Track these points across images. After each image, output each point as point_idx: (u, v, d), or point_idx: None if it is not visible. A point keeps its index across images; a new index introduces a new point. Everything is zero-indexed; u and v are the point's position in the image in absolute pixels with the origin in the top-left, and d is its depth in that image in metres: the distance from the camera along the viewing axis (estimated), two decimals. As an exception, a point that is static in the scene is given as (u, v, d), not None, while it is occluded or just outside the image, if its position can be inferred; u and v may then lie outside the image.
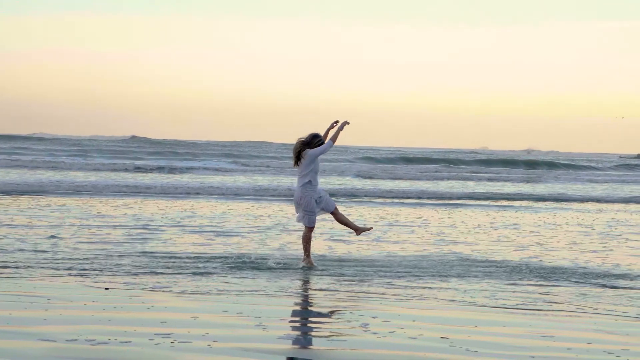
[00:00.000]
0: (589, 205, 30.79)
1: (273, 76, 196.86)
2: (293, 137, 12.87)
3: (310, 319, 9.15)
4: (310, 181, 12.66)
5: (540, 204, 30.48)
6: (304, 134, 12.78)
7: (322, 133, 12.88)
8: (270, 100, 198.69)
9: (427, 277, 11.93)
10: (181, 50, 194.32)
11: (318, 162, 12.73)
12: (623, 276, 12.60)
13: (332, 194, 25.09)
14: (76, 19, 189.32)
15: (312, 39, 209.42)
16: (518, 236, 18.29)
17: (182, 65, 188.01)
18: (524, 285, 11.49)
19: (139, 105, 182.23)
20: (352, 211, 23.40)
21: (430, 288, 11.00)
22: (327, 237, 16.62)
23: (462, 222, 21.61)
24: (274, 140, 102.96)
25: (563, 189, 41.66)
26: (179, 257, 13.13)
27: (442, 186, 39.34)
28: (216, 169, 48.23)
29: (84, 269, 11.68)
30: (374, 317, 8.86)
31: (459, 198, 32.12)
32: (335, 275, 11.91)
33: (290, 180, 38.45)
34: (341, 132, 12.72)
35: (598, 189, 42.28)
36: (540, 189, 41.05)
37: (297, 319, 9.21)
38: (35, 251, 13.31)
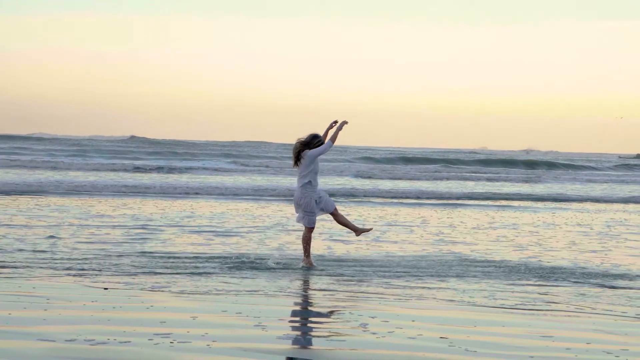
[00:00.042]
0: (588, 205, 30.80)
1: (273, 76, 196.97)
2: (293, 137, 12.88)
3: (309, 319, 9.15)
4: (310, 182, 12.66)
5: (539, 204, 30.48)
6: (303, 134, 12.79)
7: (321, 133, 12.89)
8: (270, 100, 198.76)
9: (426, 277, 11.93)
10: (181, 50, 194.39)
11: (318, 162, 12.73)
12: (622, 276, 12.61)
13: (331, 194, 25.11)
14: (76, 19, 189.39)
15: (312, 39, 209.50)
16: (517, 236, 18.30)
17: (182, 65, 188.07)
18: (522, 285, 11.49)
19: (139, 106, 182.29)
20: (351, 211, 23.40)
21: (429, 288, 11.01)
22: (326, 237, 16.62)
23: (461, 222, 21.61)
24: (273, 141, 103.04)
25: (562, 189, 41.67)
26: (178, 257, 13.13)
27: (441, 186, 39.35)
28: (215, 169, 48.22)
29: (83, 269, 11.68)
30: (373, 317, 8.86)
31: (458, 198, 32.12)
32: (334, 275, 11.91)
33: (289, 180, 38.46)
34: (340, 132, 12.73)
35: (597, 189, 42.30)
36: (539, 189, 41.06)
37: (296, 319, 9.21)
38: (34, 251, 13.31)
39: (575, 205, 30.85)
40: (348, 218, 14.95)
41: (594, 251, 15.90)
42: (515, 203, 30.71)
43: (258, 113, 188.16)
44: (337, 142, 12.80)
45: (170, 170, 44.65)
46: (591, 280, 12.05)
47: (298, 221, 12.87)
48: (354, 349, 7.44)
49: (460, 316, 9.16)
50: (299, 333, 8.37)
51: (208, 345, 7.40)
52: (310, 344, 7.83)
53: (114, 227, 17.39)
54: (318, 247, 14.87)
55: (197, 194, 29.84)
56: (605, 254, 15.46)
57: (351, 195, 31.60)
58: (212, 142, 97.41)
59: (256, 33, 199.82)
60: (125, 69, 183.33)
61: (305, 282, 11.40)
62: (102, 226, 17.45)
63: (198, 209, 23.19)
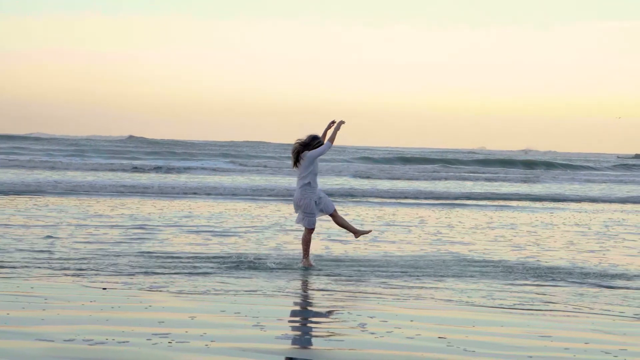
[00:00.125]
0: (586, 205, 30.81)
1: (273, 76, 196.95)
2: (293, 137, 12.89)
3: (308, 319, 9.15)
4: (309, 183, 12.65)
5: (538, 204, 30.49)
6: (303, 134, 12.79)
7: (320, 134, 12.89)
8: (270, 100, 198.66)
9: (424, 277, 11.94)
10: (181, 50, 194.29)
11: (317, 163, 12.73)
12: (620, 276, 12.62)
13: (329, 194, 25.12)
14: (76, 19, 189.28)
15: (312, 39, 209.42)
16: (515, 236, 18.31)
17: (182, 65, 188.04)
18: (521, 285, 11.50)
19: (137, 105, 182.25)
20: (349, 211, 23.41)
21: (427, 288, 11.02)
22: (324, 237, 16.62)
23: (460, 222, 21.62)
24: (273, 141, 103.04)
25: (560, 189, 41.69)
26: (177, 257, 13.13)
27: (440, 186, 39.36)
28: (214, 169, 48.22)
29: (81, 269, 11.68)
30: (371, 317, 8.87)
31: (456, 198, 32.13)
32: (332, 275, 11.91)
33: (288, 180, 38.46)
34: (338, 132, 12.73)
35: (595, 189, 42.32)
36: (537, 189, 41.08)
37: (295, 318, 9.21)
38: (32, 251, 13.31)
39: (573, 205, 30.87)
40: (346, 218, 14.96)
41: (592, 251, 15.91)
42: (514, 203, 30.72)
43: (257, 113, 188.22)
44: (335, 142, 12.81)
45: (169, 170, 44.65)
46: (589, 280, 12.06)
47: (298, 222, 12.87)
48: (353, 349, 7.44)
49: (459, 316, 9.17)
50: (297, 333, 8.37)
51: (206, 345, 7.40)
52: (309, 343, 7.84)
53: (112, 227, 17.38)
54: (316, 247, 14.87)
55: (195, 194, 29.83)
56: (603, 254, 15.47)
57: (349, 195, 31.61)
58: (211, 142, 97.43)
59: (256, 33, 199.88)
60: (125, 69, 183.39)
61: (304, 282, 11.41)
62: (100, 226, 17.44)
63: (196, 208, 23.18)
